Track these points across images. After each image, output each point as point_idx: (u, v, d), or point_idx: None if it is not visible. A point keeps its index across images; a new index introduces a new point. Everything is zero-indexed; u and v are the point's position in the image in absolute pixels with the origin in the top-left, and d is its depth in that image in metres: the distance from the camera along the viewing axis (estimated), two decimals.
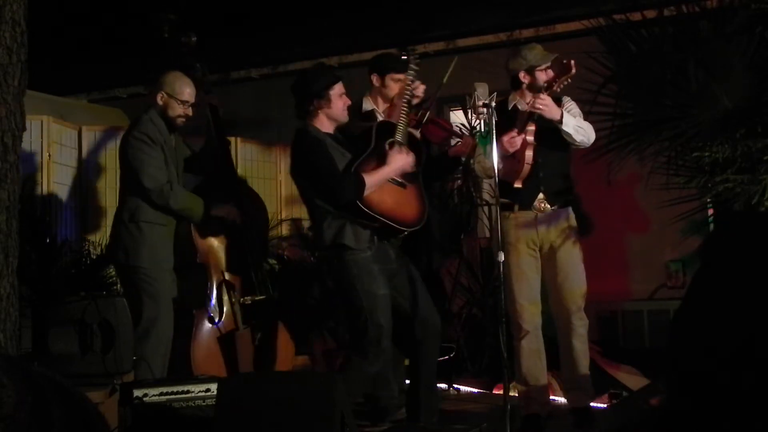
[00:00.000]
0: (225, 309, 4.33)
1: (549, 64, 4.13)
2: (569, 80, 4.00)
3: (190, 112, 4.28)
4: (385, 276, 3.93)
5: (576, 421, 4.14)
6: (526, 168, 4.02)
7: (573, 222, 4.20)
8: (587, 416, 4.13)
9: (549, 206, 4.12)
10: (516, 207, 4.12)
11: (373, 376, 3.99)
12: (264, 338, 4.39)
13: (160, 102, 4.22)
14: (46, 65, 5.35)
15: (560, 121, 4.02)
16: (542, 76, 4.12)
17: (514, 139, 3.98)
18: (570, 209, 4.21)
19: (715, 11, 4.16)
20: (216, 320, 4.31)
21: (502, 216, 4.04)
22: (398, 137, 3.95)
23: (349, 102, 4.03)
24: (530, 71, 4.14)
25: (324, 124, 4.02)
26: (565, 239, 4.17)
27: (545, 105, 3.95)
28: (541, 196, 4.11)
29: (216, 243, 4.39)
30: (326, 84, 4.00)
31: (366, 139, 4.01)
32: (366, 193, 3.84)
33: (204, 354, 4.24)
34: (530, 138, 4.02)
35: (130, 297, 4.07)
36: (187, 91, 4.24)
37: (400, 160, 3.93)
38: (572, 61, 3.91)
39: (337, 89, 3.99)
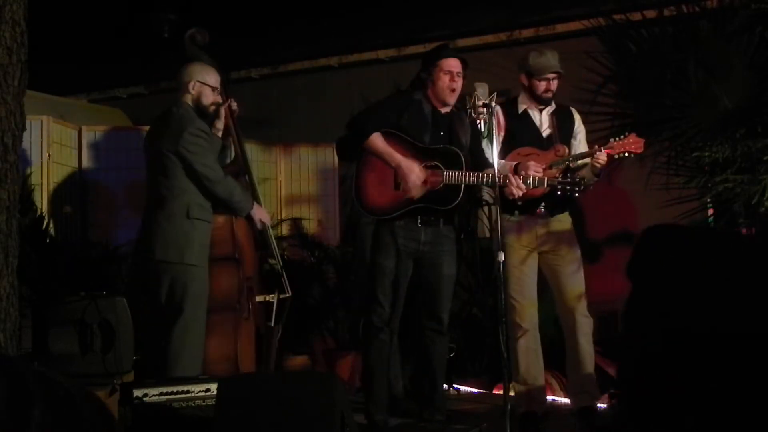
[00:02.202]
0: (256, 305, 4.35)
1: (550, 75, 4.08)
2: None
3: (219, 99, 4.25)
4: (405, 253, 3.98)
5: (579, 421, 4.13)
6: (537, 193, 4.04)
7: (570, 225, 4.21)
8: (591, 416, 4.12)
9: (548, 214, 4.15)
10: (516, 211, 4.13)
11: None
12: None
13: (192, 91, 4.15)
14: (46, 65, 5.34)
15: (598, 174, 4.03)
16: (541, 86, 4.10)
17: (520, 189, 3.92)
18: (567, 213, 4.21)
19: (715, 11, 4.16)
20: (250, 316, 4.32)
21: (503, 218, 4.04)
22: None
23: (457, 83, 4.02)
24: (529, 77, 4.13)
25: (432, 99, 4.07)
26: (563, 240, 4.17)
27: (604, 162, 3.95)
28: (542, 204, 4.12)
29: (247, 240, 4.42)
30: (434, 58, 4.05)
31: None
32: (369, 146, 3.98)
33: (246, 351, 4.27)
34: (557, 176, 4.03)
35: (169, 294, 3.97)
36: (214, 77, 4.21)
37: (411, 174, 3.94)
38: (643, 141, 3.91)
39: (444, 65, 4.00)
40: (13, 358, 0.82)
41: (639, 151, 3.95)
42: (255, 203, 4.31)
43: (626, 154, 3.96)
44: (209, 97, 4.18)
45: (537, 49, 4.18)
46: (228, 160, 4.59)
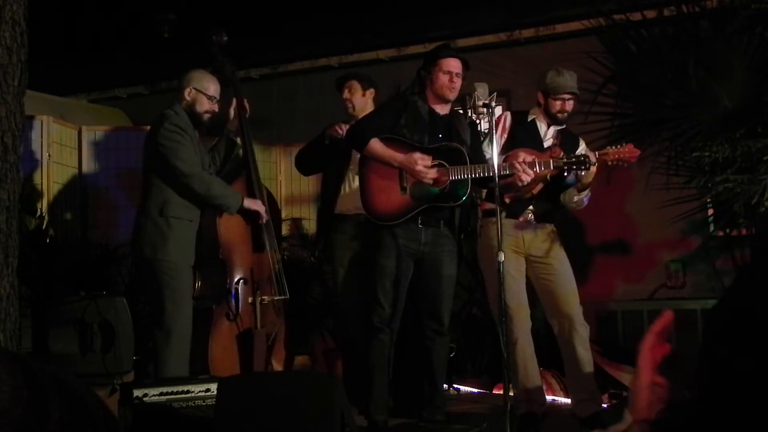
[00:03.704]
0: (244, 307, 4.25)
1: (566, 95, 4.10)
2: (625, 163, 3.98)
3: (216, 108, 4.27)
4: (405, 254, 3.99)
5: (586, 428, 4.11)
6: (527, 196, 4.03)
7: (554, 231, 4.21)
8: (597, 422, 4.10)
9: (534, 220, 4.16)
10: (503, 214, 4.13)
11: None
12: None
13: (188, 98, 4.19)
14: (46, 65, 5.34)
15: (584, 189, 4.07)
16: (556, 105, 4.12)
17: (528, 174, 3.93)
18: (552, 225, 4.22)
19: (715, 11, 4.16)
20: (234, 318, 4.23)
21: (489, 221, 4.06)
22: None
23: (456, 83, 4.03)
24: (545, 95, 4.14)
25: (430, 98, 4.07)
26: (550, 244, 4.17)
27: (593, 174, 3.99)
28: (530, 208, 4.13)
29: (239, 239, 4.32)
30: (434, 57, 4.06)
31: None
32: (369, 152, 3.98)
33: (221, 351, 4.17)
34: (548, 178, 4.05)
35: (152, 293, 4.00)
36: (213, 87, 4.24)
37: (416, 164, 3.93)
38: (638, 153, 3.93)
39: (444, 65, 4.01)
40: (27, 357, 0.82)
41: (633, 160, 3.96)
42: (247, 197, 4.26)
43: (619, 163, 3.97)
44: (204, 105, 4.21)
45: (556, 68, 4.17)
46: (217, 161, 4.56)
